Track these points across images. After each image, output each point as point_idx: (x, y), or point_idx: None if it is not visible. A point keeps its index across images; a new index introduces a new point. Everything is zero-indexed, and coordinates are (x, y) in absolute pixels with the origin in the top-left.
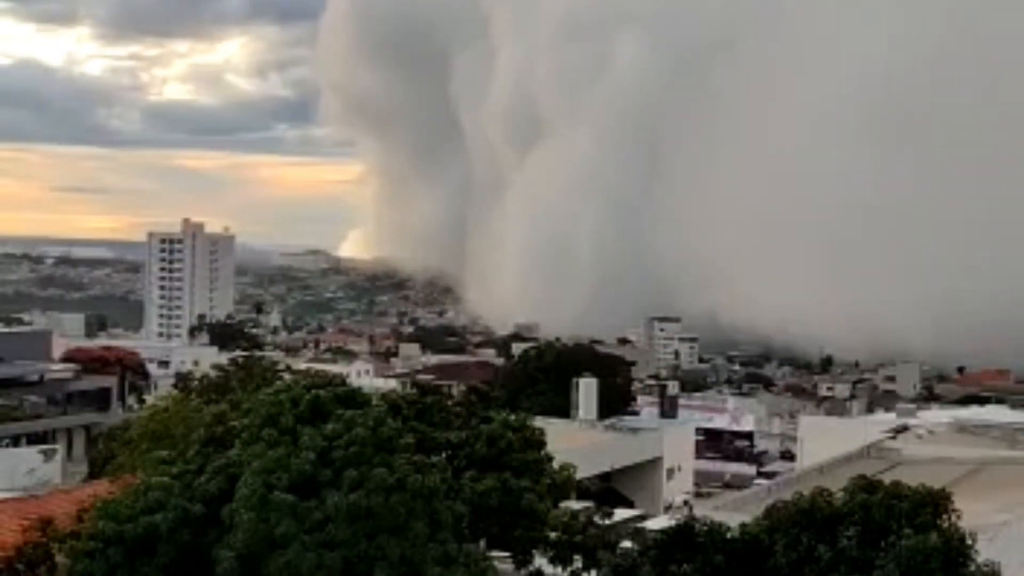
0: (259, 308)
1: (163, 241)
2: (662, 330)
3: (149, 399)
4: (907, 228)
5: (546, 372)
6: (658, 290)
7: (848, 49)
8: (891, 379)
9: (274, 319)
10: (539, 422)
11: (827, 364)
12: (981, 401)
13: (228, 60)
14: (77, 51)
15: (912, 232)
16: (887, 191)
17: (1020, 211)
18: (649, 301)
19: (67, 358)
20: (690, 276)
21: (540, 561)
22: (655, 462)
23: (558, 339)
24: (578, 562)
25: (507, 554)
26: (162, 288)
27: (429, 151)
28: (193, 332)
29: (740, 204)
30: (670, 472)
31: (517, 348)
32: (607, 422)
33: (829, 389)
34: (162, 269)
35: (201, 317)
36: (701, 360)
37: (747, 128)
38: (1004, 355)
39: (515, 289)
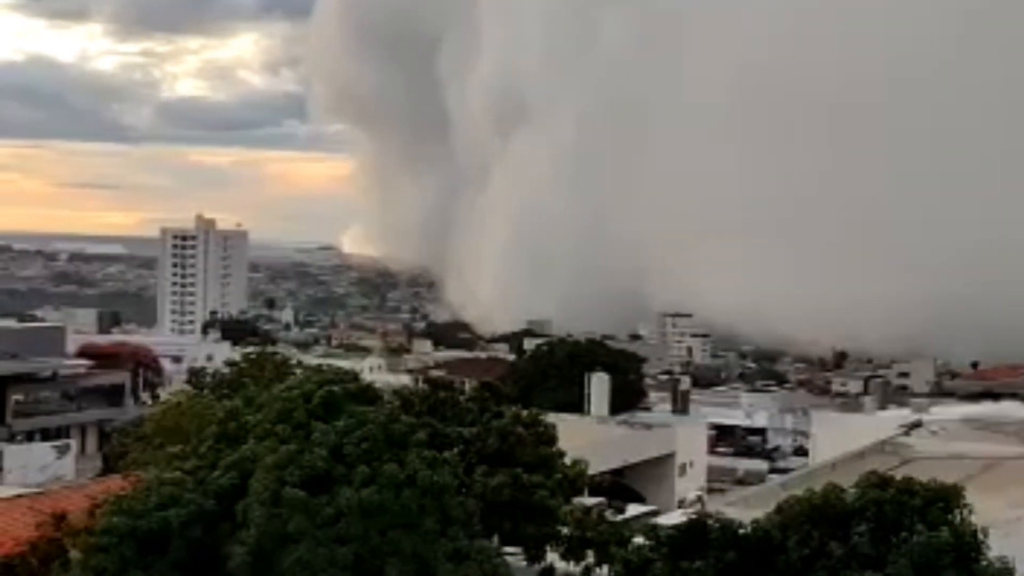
0: (271, 304)
1: (176, 237)
2: (675, 326)
3: (162, 395)
4: (889, 224)
5: (558, 368)
6: (632, 283)
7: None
8: (904, 375)
9: (286, 315)
10: (551, 418)
11: (840, 360)
12: (995, 397)
13: (240, 56)
14: (89, 47)
15: (893, 229)
16: (858, 185)
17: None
18: (624, 294)
19: (80, 354)
20: (661, 268)
21: (552, 557)
22: (668, 458)
23: (570, 335)
24: (590, 558)
25: (519, 550)
26: (175, 284)
27: (419, 143)
28: (206, 328)
29: (711, 193)
30: (683, 468)
31: (529, 344)
32: (620, 418)
33: (842, 385)
34: (175, 265)
35: (214, 313)
36: (714, 356)
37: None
38: (1017, 351)
39: (494, 284)
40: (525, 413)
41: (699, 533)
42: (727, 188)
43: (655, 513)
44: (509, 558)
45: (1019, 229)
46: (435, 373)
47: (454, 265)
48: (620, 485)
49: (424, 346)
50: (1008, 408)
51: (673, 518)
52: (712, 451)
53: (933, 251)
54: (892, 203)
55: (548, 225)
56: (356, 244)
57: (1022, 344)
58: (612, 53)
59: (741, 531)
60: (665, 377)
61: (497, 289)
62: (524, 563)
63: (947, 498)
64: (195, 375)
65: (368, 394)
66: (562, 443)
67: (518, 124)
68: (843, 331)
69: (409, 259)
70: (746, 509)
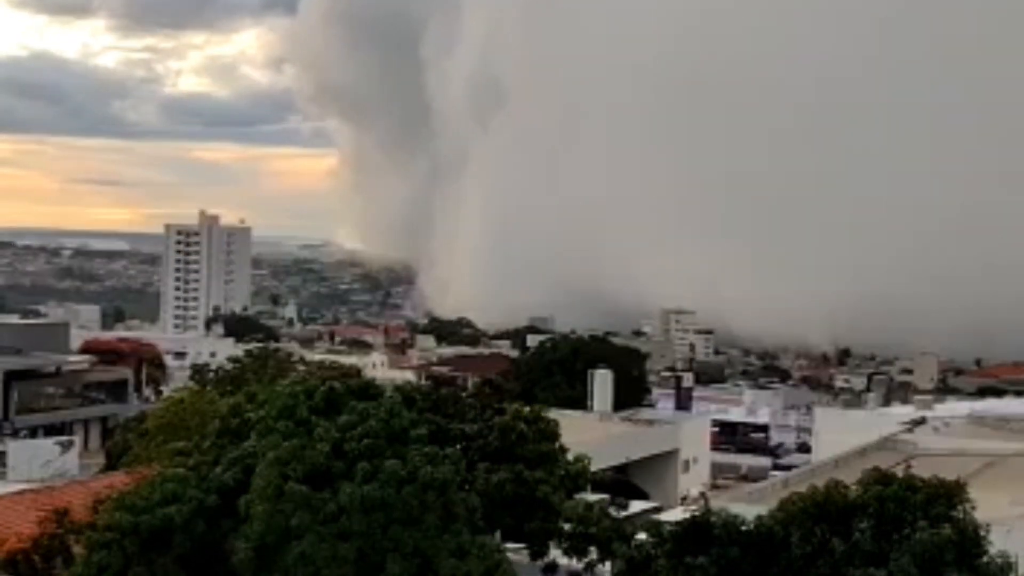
0: (275, 300)
1: (179, 233)
2: (677, 322)
3: (165, 391)
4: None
5: (561, 364)
6: (601, 278)
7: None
8: (908, 372)
9: (290, 311)
10: (554, 414)
11: (844, 356)
12: (998, 393)
13: (243, 52)
14: (92, 43)
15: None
16: (827, 184)
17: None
18: (594, 289)
19: (84, 350)
20: (627, 265)
21: (555, 553)
22: (671, 454)
23: (573, 331)
24: (593, 554)
25: (521, 546)
26: (178, 280)
27: (404, 136)
28: (209, 324)
29: (684, 190)
30: (686, 464)
31: (532, 340)
32: (623, 414)
33: (846, 381)
34: (178, 261)
35: (217, 309)
36: (716, 352)
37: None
38: (1020, 348)
39: (466, 276)
40: (527, 409)
41: (702, 529)
42: (700, 185)
43: (658, 509)
44: (511, 554)
45: (1016, 226)
46: (438, 369)
47: (428, 257)
48: (623, 481)
49: (427, 342)
50: (1011, 405)
51: (676, 514)
52: (715, 448)
53: (934, 249)
54: (866, 203)
55: (521, 217)
56: (348, 240)
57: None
58: (588, 45)
59: (744, 527)
60: (668, 374)
61: (470, 282)
62: (527, 559)
63: (950, 494)
64: (198, 371)
65: (370, 390)
66: (565, 439)
67: (496, 111)
68: (805, 329)
69: (390, 253)
70: (749, 505)
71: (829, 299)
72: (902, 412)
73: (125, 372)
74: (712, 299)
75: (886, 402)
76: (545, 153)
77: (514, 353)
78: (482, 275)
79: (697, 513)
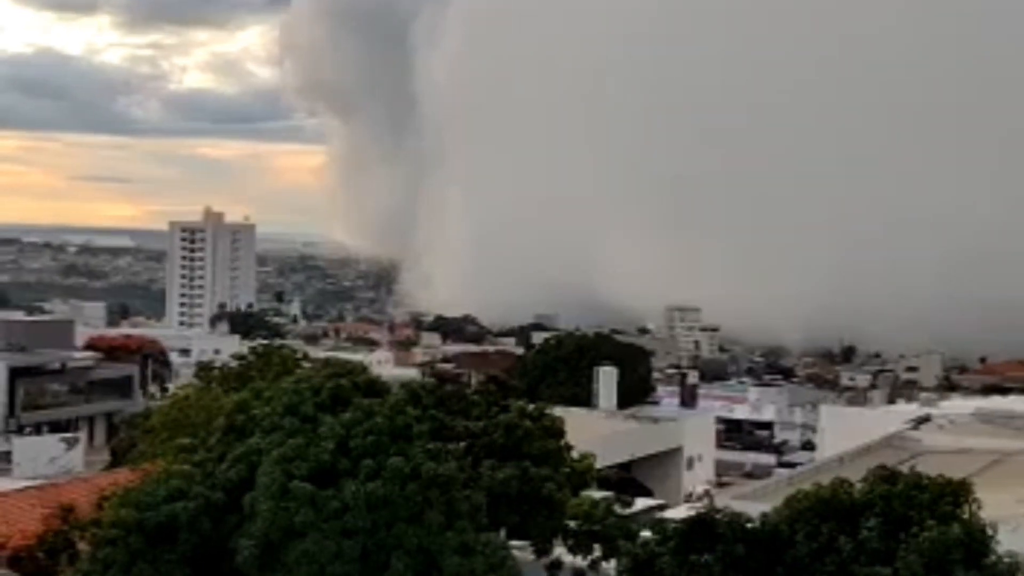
0: (279, 297)
1: (184, 230)
2: (682, 320)
3: (170, 387)
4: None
5: (566, 362)
6: (593, 273)
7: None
8: (913, 369)
9: (295, 308)
10: (559, 411)
11: (849, 354)
12: (1003, 391)
13: (247, 49)
14: (96, 40)
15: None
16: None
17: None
18: (587, 286)
19: (89, 346)
20: (600, 261)
21: (559, 550)
22: (675, 452)
23: (578, 328)
24: (597, 551)
25: (526, 543)
26: (183, 277)
27: (392, 130)
28: (214, 321)
29: (664, 188)
30: (690, 462)
31: (537, 337)
32: (627, 412)
33: (851, 379)
34: (183, 258)
35: (222, 306)
36: (722, 350)
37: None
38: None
39: (451, 274)
40: (532, 407)
41: (707, 527)
42: (689, 183)
43: (663, 507)
44: (516, 551)
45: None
46: (443, 367)
47: (413, 253)
48: (628, 479)
49: (433, 339)
50: (1016, 402)
51: (680, 512)
52: (720, 445)
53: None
54: (864, 202)
55: (505, 213)
56: (340, 237)
57: None
58: (577, 40)
59: (749, 525)
60: (673, 371)
61: (453, 279)
62: (531, 556)
63: (956, 493)
64: (203, 368)
65: (376, 387)
66: (570, 437)
67: (482, 105)
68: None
69: (380, 250)
70: (754, 503)
71: (826, 297)
72: (907, 410)
73: (130, 369)
74: (698, 297)
75: (891, 400)
76: (531, 147)
77: (519, 351)
78: (466, 272)
79: (702, 511)
